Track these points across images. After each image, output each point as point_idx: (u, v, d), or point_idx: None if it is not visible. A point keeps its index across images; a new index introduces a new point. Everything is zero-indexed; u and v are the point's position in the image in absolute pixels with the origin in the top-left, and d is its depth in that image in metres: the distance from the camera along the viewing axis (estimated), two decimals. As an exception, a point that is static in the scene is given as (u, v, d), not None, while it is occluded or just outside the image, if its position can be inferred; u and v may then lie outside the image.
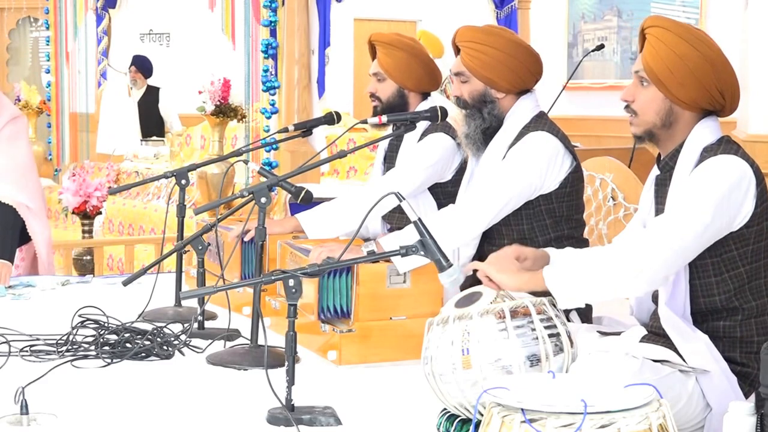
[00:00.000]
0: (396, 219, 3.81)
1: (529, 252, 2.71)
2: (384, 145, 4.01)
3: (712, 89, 2.55)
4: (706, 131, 2.58)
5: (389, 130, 3.82)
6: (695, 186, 2.49)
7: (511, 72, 3.33)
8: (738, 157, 2.51)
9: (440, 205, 3.72)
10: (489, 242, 3.39)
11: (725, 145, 2.55)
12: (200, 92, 6.13)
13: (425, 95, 3.89)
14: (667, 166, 2.64)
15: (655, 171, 2.71)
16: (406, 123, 3.67)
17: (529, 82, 3.38)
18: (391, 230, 3.87)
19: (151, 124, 9.82)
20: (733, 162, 2.50)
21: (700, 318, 2.58)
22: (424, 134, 3.75)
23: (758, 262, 2.56)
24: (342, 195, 3.86)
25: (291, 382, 2.45)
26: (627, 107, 2.64)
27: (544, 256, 2.72)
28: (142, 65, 9.88)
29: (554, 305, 2.41)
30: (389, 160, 3.96)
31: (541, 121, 3.34)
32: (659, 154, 2.69)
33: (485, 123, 3.37)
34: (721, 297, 2.56)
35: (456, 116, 3.55)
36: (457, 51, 3.41)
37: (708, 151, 2.54)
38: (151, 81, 9.97)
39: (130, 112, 9.67)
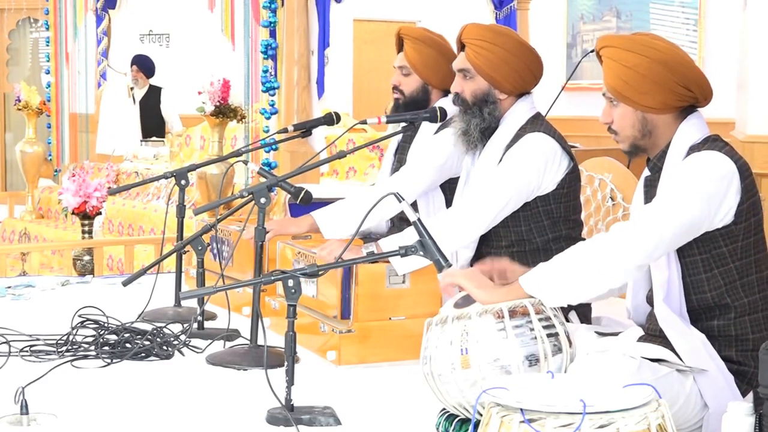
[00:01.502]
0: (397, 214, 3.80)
1: (519, 268, 2.70)
2: (397, 137, 4.01)
3: (674, 87, 2.57)
4: (691, 129, 2.61)
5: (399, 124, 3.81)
6: (679, 179, 2.51)
7: (515, 73, 3.33)
8: (722, 153, 2.53)
9: (447, 201, 3.71)
10: (487, 244, 3.39)
11: (711, 143, 2.57)
12: (200, 93, 6.13)
13: (446, 92, 3.90)
14: (656, 167, 2.66)
15: (646, 172, 2.73)
16: (405, 123, 3.68)
17: (530, 84, 3.38)
18: (392, 223, 3.87)
19: (153, 124, 9.81)
20: (715, 158, 2.52)
21: (695, 317, 2.58)
22: (440, 128, 3.74)
23: (748, 259, 2.57)
24: (356, 193, 3.84)
25: (290, 382, 2.46)
26: (609, 128, 2.69)
27: None
28: (143, 64, 9.88)
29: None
30: (401, 151, 3.95)
31: (537, 123, 3.34)
32: (648, 158, 2.71)
33: (484, 123, 3.37)
34: (713, 294, 2.57)
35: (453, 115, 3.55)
36: (461, 47, 3.41)
37: (694, 149, 2.56)
38: (153, 81, 9.98)
39: (130, 113, 9.66)
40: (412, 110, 3.75)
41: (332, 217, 3.67)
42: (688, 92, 2.59)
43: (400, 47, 3.90)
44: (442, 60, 3.81)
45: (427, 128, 3.77)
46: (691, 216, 2.47)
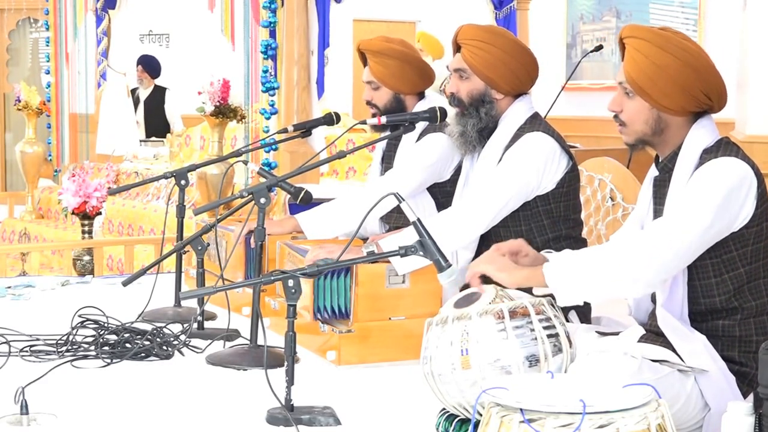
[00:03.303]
0: (394, 219, 3.82)
1: (531, 251, 2.72)
2: (381, 145, 4.02)
3: (697, 93, 2.56)
4: (702, 132, 2.59)
5: (388, 130, 3.83)
6: (696, 189, 2.49)
7: (511, 73, 3.33)
8: (739, 159, 2.52)
9: (438, 205, 3.73)
10: (487, 245, 3.37)
11: (725, 147, 2.56)
12: (200, 93, 6.13)
13: (421, 95, 3.91)
14: (666, 168, 2.65)
15: (653, 171, 2.72)
16: (405, 124, 3.68)
17: (526, 85, 3.38)
18: (389, 231, 3.88)
19: (157, 124, 9.83)
20: (734, 164, 2.51)
21: (700, 318, 2.59)
22: (422, 134, 3.76)
23: (757, 263, 2.57)
24: (341, 195, 3.87)
25: (290, 382, 2.46)
26: (615, 117, 2.66)
27: (542, 258, 2.73)
28: (149, 65, 9.89)
29: (553, 305, 2.41)
30: (387, 160, 3.97)
31: (536, 122, 3.35)
32: (657, 155, 2.70)
33: (481, 123, 3.37)
34: (721, 297, 2.57)
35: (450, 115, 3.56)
36: (457, 48, 3.41)
37: (708, 153, 2.55)
38: (157, 81, 10.00)
39: (130, 113, 9.67)
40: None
41: (315, 219, 3.69)
42: (707, 100, 2.58)
43: (364, 62, 3.90)
44: (407, 67, 3.82)
45: (410, 136, 3.78)
46: (714, 225, 2.47)
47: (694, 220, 2.46)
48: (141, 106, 9.95)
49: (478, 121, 3.37)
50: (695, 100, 2.57)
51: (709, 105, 2.59)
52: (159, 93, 9.94)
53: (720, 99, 2.60)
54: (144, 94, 9.97)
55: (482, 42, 3.33)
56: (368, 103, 3.90)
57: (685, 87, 2.55)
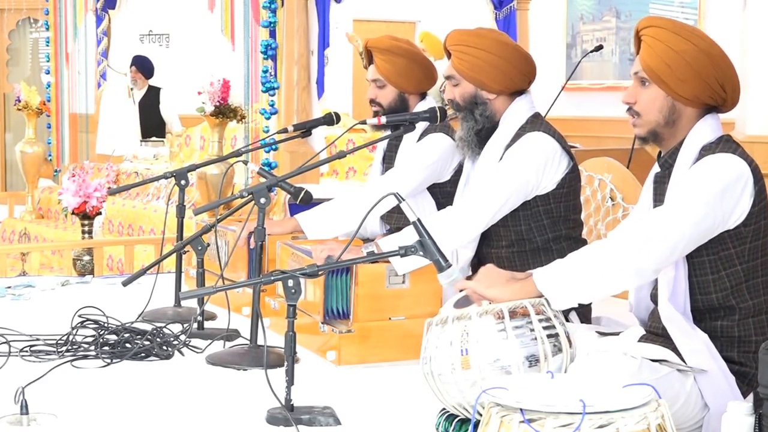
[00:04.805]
0: (395, 219, 3.82)
1: (520, 276, 2.72)
2: (383, 145, 4.02)
3: (712, 82, 2.56)
4: (706, 129, 2.59)
5: (388, 130, 3.83)
6: (690, 182, 2.50)
7: (499, 72, 3.33)
8: (736, 155, 2.52)
9: (439, 206, 3.73)
10: (487, 244, 3.39)
11: (724, 143, 2.56)
12: (200, 93, 6.13)
13: (423, 95, 3.91)
14: (667, 164, 2.65)
15: (656, 168, 2.72)
16: (405, 124, 3.68)
17: (520, 82, 3.37)
18: (390, 231, 3.88)
19: (152, 124, 9.81)
20: (730, 160, 2.51)
21: (699, 317, 2.58)
22: (423, 134, 3.76)
23: (755, 261, 2.57)
24: (341, 195, 3.87)
25: (290, 382, 2.46)
26: (629, 109, 2.65)
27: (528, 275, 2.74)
28: (142, 65, 9.87)
29: (552, 305, 2.42)
30: (388, 161, 3.97)
31: (537, 122, 3.34)
32: (660, 152, 2.70)
33: (478, 124, 3.38)
34: (718, 295, 2.57)
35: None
36: (449, 55, 3.42)
37: (706, 150, 2.55)
38: (152, 81, 9.98)
39: (130, 113, 9.67)
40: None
41: (315, 219, 3.69)
42: (722, 91, 2.58)
43: (369, 60, 3.90)
44: (414, 66, 3.83)
45: (410, 136, 3.78)
46: (707, 218, 2.46)
47: (686, 211, 2.46)
48: (135, 107, 9.94)
49: (474, 124, 3.38)
50: (710, 89, 2.57)
51: (722, 98, 2.59)
52: (153, 93, 9.91)
53: (734, 92, 2.60)
54: (138, 95, 9.94)
55: (466, 46, 3.34)
56: (372, 101, 3.90)
57: (701, 73, 2.55)
